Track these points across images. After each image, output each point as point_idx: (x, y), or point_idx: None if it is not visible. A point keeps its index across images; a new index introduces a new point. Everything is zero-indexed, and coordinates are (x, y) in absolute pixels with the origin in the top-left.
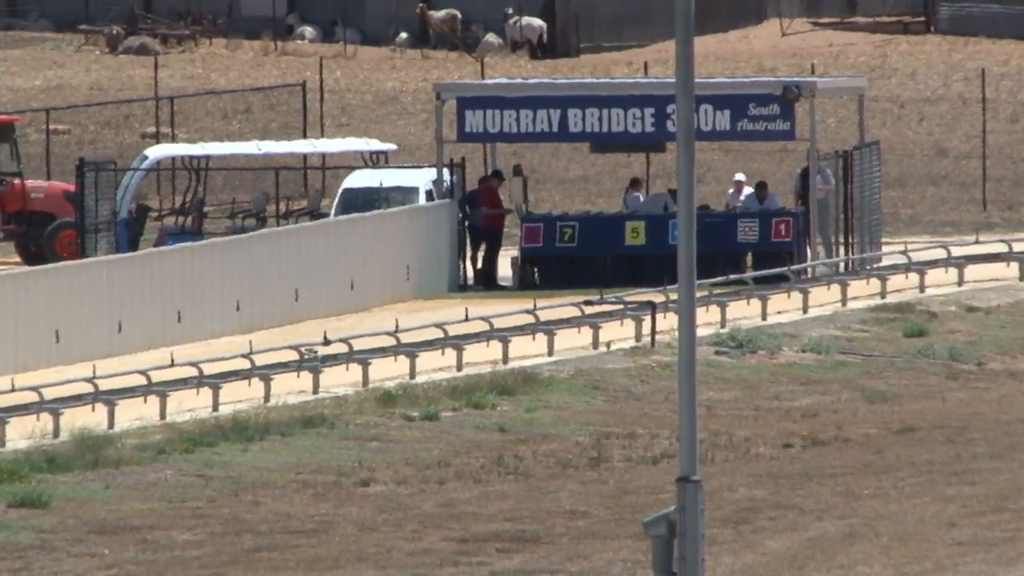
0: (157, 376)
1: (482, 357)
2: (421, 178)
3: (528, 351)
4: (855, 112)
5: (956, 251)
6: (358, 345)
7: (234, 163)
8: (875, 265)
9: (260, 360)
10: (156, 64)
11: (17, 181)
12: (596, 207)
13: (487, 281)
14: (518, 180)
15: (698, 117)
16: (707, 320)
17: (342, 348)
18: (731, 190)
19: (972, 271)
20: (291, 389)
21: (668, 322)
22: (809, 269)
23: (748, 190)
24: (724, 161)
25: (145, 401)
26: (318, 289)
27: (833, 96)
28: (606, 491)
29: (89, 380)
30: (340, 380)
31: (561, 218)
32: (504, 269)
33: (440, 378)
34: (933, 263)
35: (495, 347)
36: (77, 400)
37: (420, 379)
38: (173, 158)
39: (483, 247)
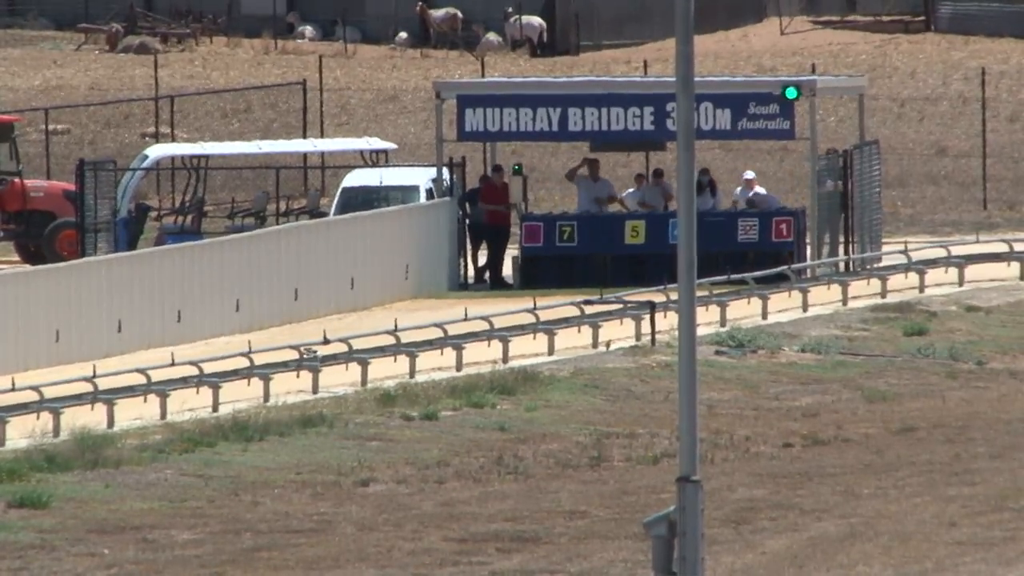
0: (157, 375)
1: (482, 357)
2: (421, 177)
3: (528, 350)
4: (855, 111)
5: (956, 251)
6: (358, 344)
7: (234, 162)
8: (875, 265)
9: (260, 359)
10: (156, 63)
11: (17, 180)
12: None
13: (493, 279)
14: (517, 179)
15: (698, 116)
16: (707, 319)
17: (342, 347)
18: (739, 188)
19: (972, 271)
20: (291, 389)
21: (668, 321)
22: (809, 268)
23: (759, 189)
24: (724, 160)
25: (145, 401)
26: (318, 288)
27: (833, 95)
28: (606, 491)
29: (89, 379)
30: (339, 380)
31: (561, 217)
32: (504, 268)
33: (440, 378)
34: (933, 263)
35: (495, 346)
36: (77, 399)
37: (420, 379)
38: (173, 157)
39: (484, 246)
